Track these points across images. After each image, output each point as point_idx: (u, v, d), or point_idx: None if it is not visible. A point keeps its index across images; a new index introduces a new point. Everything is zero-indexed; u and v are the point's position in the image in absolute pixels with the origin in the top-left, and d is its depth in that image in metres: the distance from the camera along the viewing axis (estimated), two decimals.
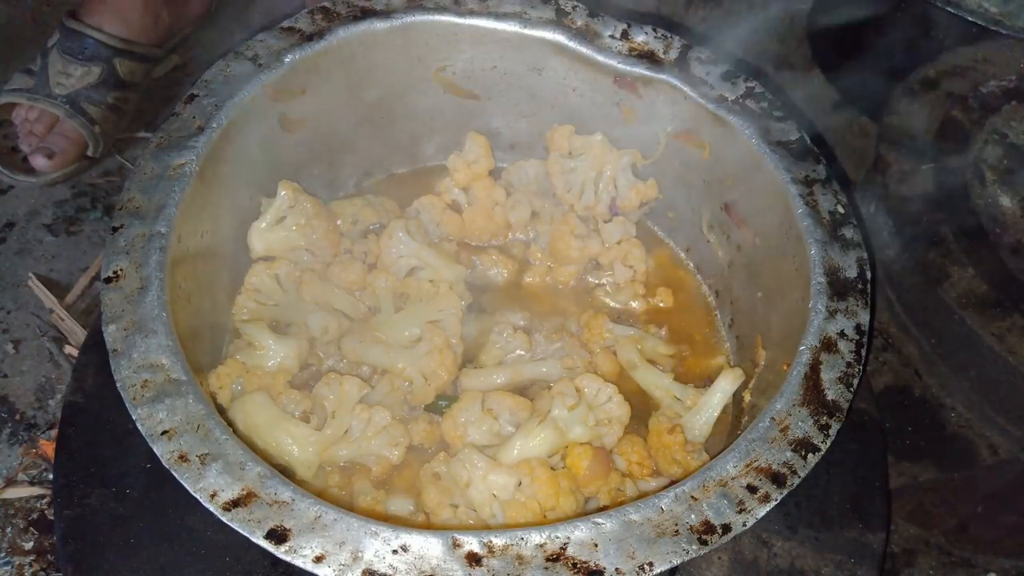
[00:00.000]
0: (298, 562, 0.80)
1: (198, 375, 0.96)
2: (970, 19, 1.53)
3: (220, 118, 1.13)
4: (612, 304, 1.32)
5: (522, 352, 1.22)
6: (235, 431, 0.94)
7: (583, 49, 1.28)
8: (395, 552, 0.81)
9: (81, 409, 1.16)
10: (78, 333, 1.49)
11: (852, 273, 1.07)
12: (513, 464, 1.02)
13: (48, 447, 1.39)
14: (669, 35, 1.29)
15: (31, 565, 1.31)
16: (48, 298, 1.53)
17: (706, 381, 1.18)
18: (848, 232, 1.11)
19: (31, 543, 1.33)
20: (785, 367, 1.03)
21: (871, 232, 1.35)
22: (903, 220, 1.29)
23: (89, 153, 1.66)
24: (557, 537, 0.83)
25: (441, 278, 1.25)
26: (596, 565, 0.81)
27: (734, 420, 1.18)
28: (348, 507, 0.86)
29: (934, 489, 1.30)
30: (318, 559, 0.80)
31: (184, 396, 0.90)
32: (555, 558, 0.81)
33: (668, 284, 1.35)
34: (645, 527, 0.84)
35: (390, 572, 0.80)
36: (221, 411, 1.05)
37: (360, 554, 0.81)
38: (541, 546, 0.82)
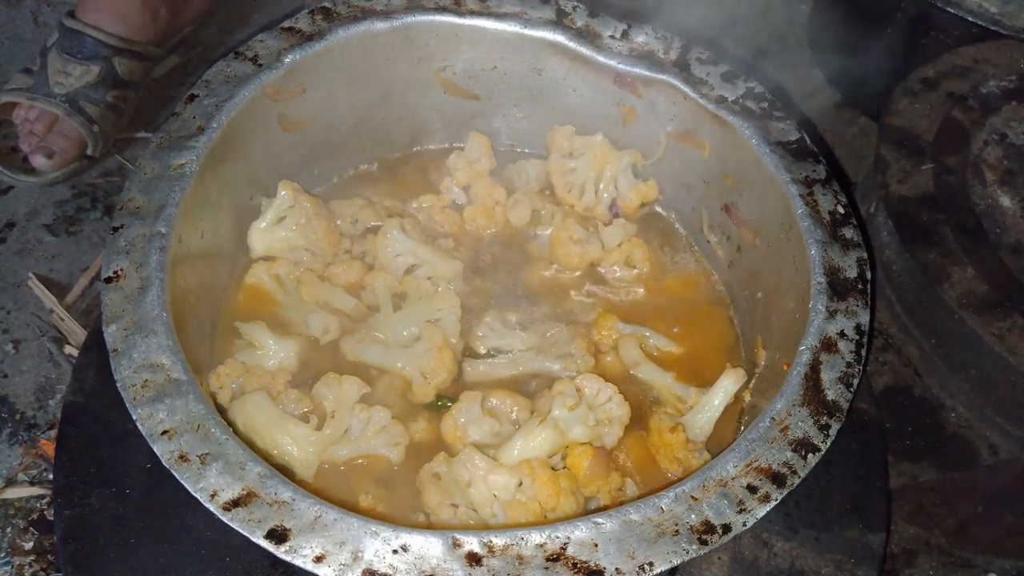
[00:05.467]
0: (298, 562, 0.80)
1: (198, 375, 0.96)
2: (970, 19, 1.53)
3: (220, 118, 1.13)
4: (614, 302, 1.32)
5: (524, 345, 1.22)
6: (235, 431, 0.94)
7: (583, 49, 1.28)
8: (395, 552, 0.81)
9: (81, 409, 1.16)
10: (78, 333, 1.49)
11: (852, 273, 1.08)
12: (514, 464, 1.02)
13: (48, 447, 1.39)
14: (669, 35, 1.29)
15: (31, 565, 1.31)
16: (48, 298, 1.52)
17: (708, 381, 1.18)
18: (848, 232, 1.11)
19: (31, 543, 1.33)
20: (785, 367, 1.03)
21: (871, 232, 1.36)
22: (903, 220, 1.29)
23: (89, 152, 1.66)
24: (557, 537, 0.83)
25: (439, 274, 1.25)
26: (596, 565, 0.81)
27: (735, 420, 1.18)
28: (348, 507, 0.86)
29: (934, 489, 1.30)
30: (318, 559, 0.80)
31: (184, 396, 0.90)
32: (555, 558, 0.81)
33: (669, 284, 1.35)
34: (645, 527, 0.84)
35: (390, 572, 0.80)
36: (221, 411, 1.05)
37: (360, 554, 0.81)
38: (541, 546, 0.82)
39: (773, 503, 0.88)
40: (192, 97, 1.15)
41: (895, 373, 1.34)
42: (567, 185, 1.38)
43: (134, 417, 0.89)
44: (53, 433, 1.39)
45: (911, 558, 1.33)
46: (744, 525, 0.86)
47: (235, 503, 0.83)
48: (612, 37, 1.28)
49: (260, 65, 1.19)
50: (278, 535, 0.82)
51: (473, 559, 0.81)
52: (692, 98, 1.24)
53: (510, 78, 1.36)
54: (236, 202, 1.22)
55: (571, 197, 1.38)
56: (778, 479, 0.90)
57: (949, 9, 1.54)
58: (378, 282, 1.23)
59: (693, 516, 0.86)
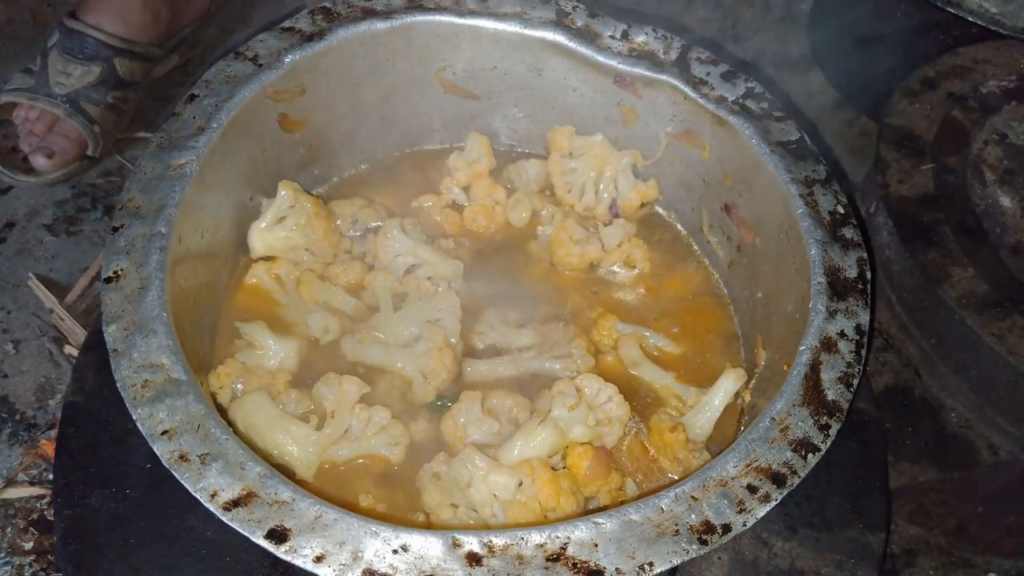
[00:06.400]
0: (298, 562, 0.80)
1: (198, 375, 0.96)
2: (970, 19, 1.53)
3: (220, 118, 1.13)
4: (614, 302, 1.32)
5: (524, 345, 1.22)
6: (235, 431, 0.94)
7: (583, 49, 1.28)
8: (395, 552, 0.81)
9: (81, 409, 1.16)
10: (78, 333, 1.49)
11: (852, 273, 1.07)
12: (514, 464, 1.02)
13: (48, 447, 1.39)
14: (669, 35, 1.29)
15: (31, 565, 1.31)
16: (48, 298, 1.53)
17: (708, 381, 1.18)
18: (848, 232, 1.11)
19: (31, 543, 1.33)
20: (785, 367, 1.03)
21: (871, 232, 1.36)
22: (903, 220, 1.29)
23: (89, 153, 1.66)
24: (557, 537, 0.83)
25: (439, 274, 1.25)
26: (596, 565, 0.81)
27: (735, 420, 1.18)
28: (348, 507, 0.86)
29: (934, 489, 1.30)
30: (318, 559, 0.80)
31: (184, 396, 0.90)
32: (555, 558, 0.81)
33: (669, 284, 1.35)
34: (645, 527, 0.84)
35: (390, 572, 0.80)
36: (221, 411, 1.05)
37: (360, 554, 0.81)
38: (541, 546, 0.82)
39: (773, 503, 0.88)
40: (192, 97, 1.15)
41: (895, 373, 1.34)
42: (567, 185, 1.38)
43: (134, 417, 0.89)
44: (53, 433, 1.39)
45: (911, 558, 1.33)
46: (744, 525, 0.86)
47: (235, 503, 0.83)
48: (612, 37, 1.28)
49: (260, 65, 1.19)
50: (278, 535, 0.82)
51: (473, 559, 0.81)
52: (692, 98, 1.24)
53: (510, 78, 1.36)
54: (236, 202, 1.22)
55: (571, 197, 1.38)
56: (778, 479, 0.90)
57: (949, 9, 1.54)
58: (378, 282, 1.23)
59: (693, 516, 0.86)
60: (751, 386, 1.17)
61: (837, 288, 1.06)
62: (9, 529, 1.34)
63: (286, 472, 1.00)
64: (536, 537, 0.83)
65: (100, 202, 1.71)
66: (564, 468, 1.06)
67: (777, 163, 1.16)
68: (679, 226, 1.40)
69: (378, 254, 1.26)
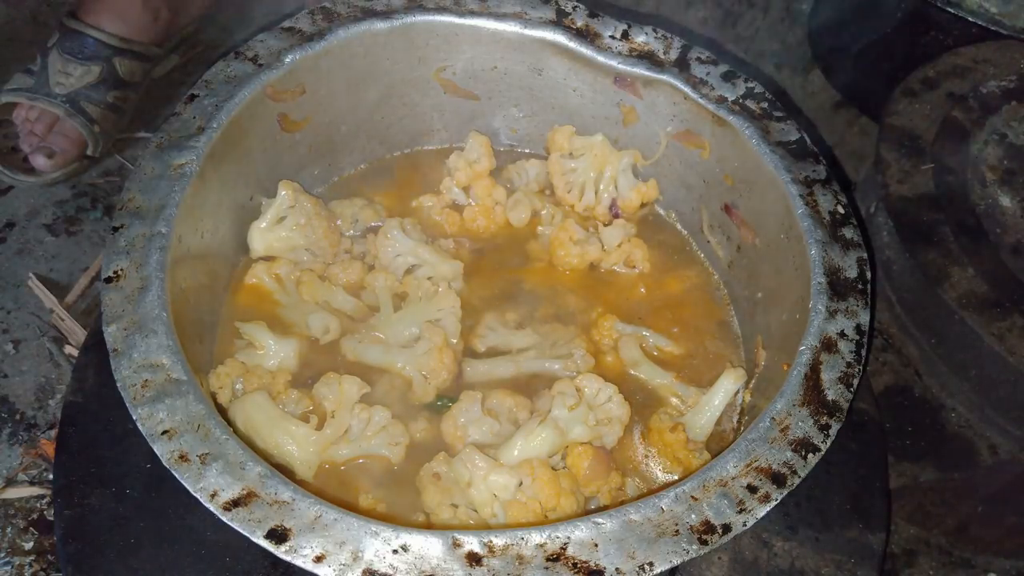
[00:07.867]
0: (298, 562, 0.80)
1: (198, 375, 0.96)
2: (970, 19, 1.53)
3: (220, 118, 1.13)
4: (615, 301, 1.32)
5: (524, 345, 1.22)
6: (235, 431, 0.94)
7: (583, 49, 1.28)
8: (395, 552, 0.81)
9: (81, 409, 1.16)
10: (78, 333, 1.49)
11: (852, 273, 1.08)
12: (514, 464, 1.02)
13: (48, 447, 1.39)
14: (669, 35, 1.29)
15: (31, 565, 1.31)
16: (48, 298, 1.53)
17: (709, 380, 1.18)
18: (848, 232, 1.11)
19: (31, 543, 1.33)
20: (785, 367, 1.03)
21: (871, 232, 1.36)
22: (903, 220, 1.29)
23: (89, 152, 1.66)
24: (557, 537, 0.83)
25: (439, 274, 1.25)
26: (596, 565, 0.81)
27: (736, 420, 1.18)
28: (348, 507, 0.86)
29: (934, 489, 1.30)
30: (318, 559, 0.80)
31: (184, 396, 0.90)
32: (555, 558, 0.82)
33: (669, 284, 1.35)
34: (645, 527, 0.85)
35: (390, 572, 0.80)
36: (221, 411, 1.05)
37: (360, 554, 0.81)
38: (541, 546, 0.82)
39: (773, 503, 0.88)
40: (192, 97, 1.15)
41: (895, 373, 1.34)
42: (567, 185, 1.38)
43: (134, 417, 0.89)
44: (53, 433, 1.39)
45: (911, 558, 1.33)
46: (744, 525, 0.86)
47: (235, 503, 0.83)
48: (612, 37, 1.28)
49: (260, 65, 1.19)
50: (278, 535, 0.82)
51: (473, 559, 0.81)
52: (692, 98, 1.24)
53: (510, 78, 1.36)
54: (236, 202, 1.22)
55: (571, 197, 1.38)
56: (778, 479, 0.90)
57: (949, 9, 1.54)
58: (378, 282, 1.24)
59: (693, 516, 0.86)
60: (751, 386, 1.17)
61: (837, 288, 1.06)
62: (9, 529, 1.34)
63: (286, 472, 1.00)
64: (536, 537, 0.83)
65: (100, 202, 1.71)
66: (564, 468, 1.06)
67: (777, 163, 1.16)
68: (679, 226, 1.40)
69: (378, 254, 1.26)
